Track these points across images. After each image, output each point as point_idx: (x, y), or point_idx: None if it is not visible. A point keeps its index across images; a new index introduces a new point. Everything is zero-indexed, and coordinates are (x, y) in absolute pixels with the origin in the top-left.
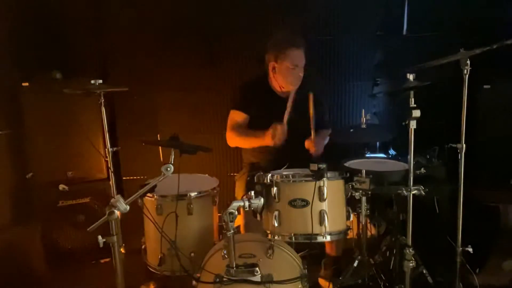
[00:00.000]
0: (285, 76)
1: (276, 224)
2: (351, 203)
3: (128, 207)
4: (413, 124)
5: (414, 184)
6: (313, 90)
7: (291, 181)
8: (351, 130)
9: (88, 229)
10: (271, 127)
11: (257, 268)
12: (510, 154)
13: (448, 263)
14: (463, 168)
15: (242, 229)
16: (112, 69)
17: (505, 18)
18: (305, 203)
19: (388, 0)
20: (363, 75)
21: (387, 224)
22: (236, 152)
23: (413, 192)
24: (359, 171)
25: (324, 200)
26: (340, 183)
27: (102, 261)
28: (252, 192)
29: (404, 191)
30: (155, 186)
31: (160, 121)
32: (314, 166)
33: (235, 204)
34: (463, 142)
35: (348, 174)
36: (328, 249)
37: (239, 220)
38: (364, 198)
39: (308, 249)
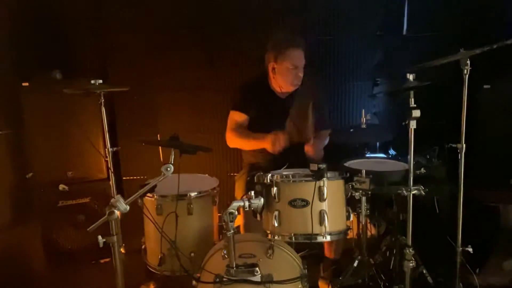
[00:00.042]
0: (284, 77)
1: (276, 224)
2: (351, 203)
3: (128, 207)
4: (413, 124)
5: (414, 184)
6: (313, 91)
7: (291, 181)
8: (351, 130)
9: (88, 229)
10: (273, 134)
11: (257, 268)
12: (510, 154)
13: (448, 263)
14: (463, 168)
15: (241, 229)
16: (112, 69)
17: (505, 18)
18: (305, 203)
19: (388, 0)
20: (363, 75)
21: (387, 224)
22: (236, 152)
23: (413, 192)
24: (359, 171)
25: (324, 200)
26: (340, 183)
27: (102, 261)
28: (252, 192)
29: (404, 191)
30: (155, 186)
31: (160, 121)
32: (314, 166)
33: (235, 204)
34: (463, 142)
35: (348, 174)
36: (327, 253)
37: (239, 220)
38: (364, 198)
39: (308, 249)
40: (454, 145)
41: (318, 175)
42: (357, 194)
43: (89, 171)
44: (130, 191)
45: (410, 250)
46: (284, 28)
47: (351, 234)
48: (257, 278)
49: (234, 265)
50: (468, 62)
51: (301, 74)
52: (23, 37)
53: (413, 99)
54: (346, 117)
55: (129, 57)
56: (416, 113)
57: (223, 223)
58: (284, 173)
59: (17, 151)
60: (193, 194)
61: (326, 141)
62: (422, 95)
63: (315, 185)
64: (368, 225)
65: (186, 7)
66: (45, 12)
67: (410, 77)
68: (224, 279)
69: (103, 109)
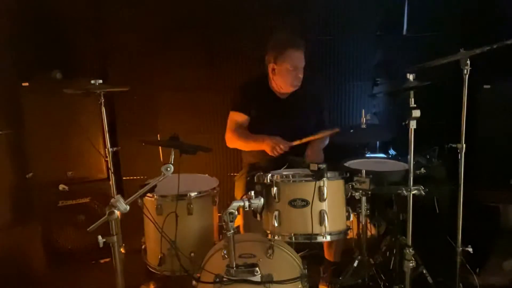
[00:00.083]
0: (284, 78)
1: (276, 224)
2: (351, 203)
3: (128, 207)
4: (413, 124)
5: (414, 184)
6: (313, 91)
7: (291, 181)
8: (351, 130)
9: (88, 229)
10: (274, 141)
11: (257, 268)
12: (510, 154)
13: (448, 263)
14: (463, 168)
15: (241, 229)
16: (112, 69)
17: (505, 18)
18: (305, 203)
19: (388, 0)
20: (363, 75)
21: (387, 224)
22: (236, 152)
23: (413, 192)
24: (359, 171)
25: (324, 200)
26: (340, 183)
27: (102, 261)
28: (252, 192)
29: (404, 191)
30: (155, 186)
31: (160, 121)
32: (314, 166)
33: (235, 204)
34: (463, 142)
35: (348, 174)
36: (327, 255)
37: (238, 221)
38: (364, 198)
39: (308, 249)
40: (454, 145)
41: (318, 175)
42: (357, 194)
43: (89, 171)
44: (130, 191)
45: (410, 250)
46: (284, 28)
47: (351, 234)
48: (257, 278)
49: (234, 265)
50: (468, 62)
51: (300, 75)
52: (23, 37)
53: (413, 99)
54: (346, 117)
55: (129, 57)
56: (416, 113)
57: (223, 223)
58: (284, 173)
59: (17, 151)
60: (193, 194)
61: (326, 142)
62: (422, 95)
63: (315, 185)
64: (368, 225)
65: (186, 7)
66: (45, 12)
67: (410, 77)
68: (224, 279)
69: (103, 109)
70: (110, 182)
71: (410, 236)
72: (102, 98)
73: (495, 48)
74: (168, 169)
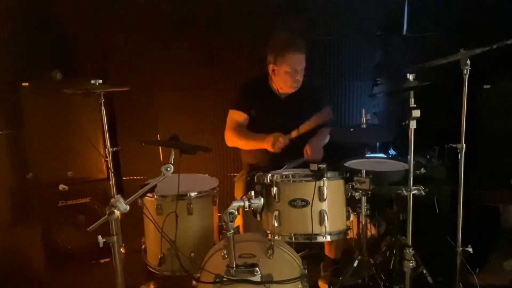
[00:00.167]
0: (283, 79)
1: (276, 224)
2: (351, 203)
3: (128, 207)
4: (413, 124)
5: (414, 184)
6: (313, 91)
7: (291, 181)
8: (351, 130)
9: (88, 229)
10: (274, 136)
11: (257, 268)
12: (510, 154)
13: (448, 263)
14: (463, 168)
15: (241, 229)
16: (112, 69)
17: (505, 18)
18: (305, 203)
19: (388, 0)
20: (363, 75)
21: (387, 224)
22: (236, 152)
23: (413, 192)
24: (359, 171)
25: (324, 200)
26: (340, 183)
27: (102, 261)
28: (252, 192)
29: (404, 191)
30: (155, 186)
31: (160, 121)
32: (314, 166)
33: (235, 204)
34: (463, 142)
35: (348, 174)
36: (327, 252)
37: (238, 221)
38: (364, 198)
39: (308, 249)
40: (454, 145)
41: (318, 175)
42: (357, 194)
43: (89, 171)
44: (130, 191)
45: (410, 250)
46: (284, 28)
47: (351, 234)
48: (257, 278)
49: (234, 265)
50: (468, 62)
51: (300, 78)
52: (23, 37)
53: (413, 99)
54: (346, 117)
55: (129, 57)
56: (416, 113)
57: (223, 223)
58: (284, 173)
59: (17, 151)
60: (193, 194)
61: (326, 140)
62: (422, 95)
63: (315, 185)
64: (368, 225)
65: (186, 7)
66: (45, 12)
67: (410, 77)
68: (224, 279)
69: (103, 109)
70: (110, 182)
71: (410, 236)
72: (102, 98)
73: (495, 48)
74: (168, 169)
